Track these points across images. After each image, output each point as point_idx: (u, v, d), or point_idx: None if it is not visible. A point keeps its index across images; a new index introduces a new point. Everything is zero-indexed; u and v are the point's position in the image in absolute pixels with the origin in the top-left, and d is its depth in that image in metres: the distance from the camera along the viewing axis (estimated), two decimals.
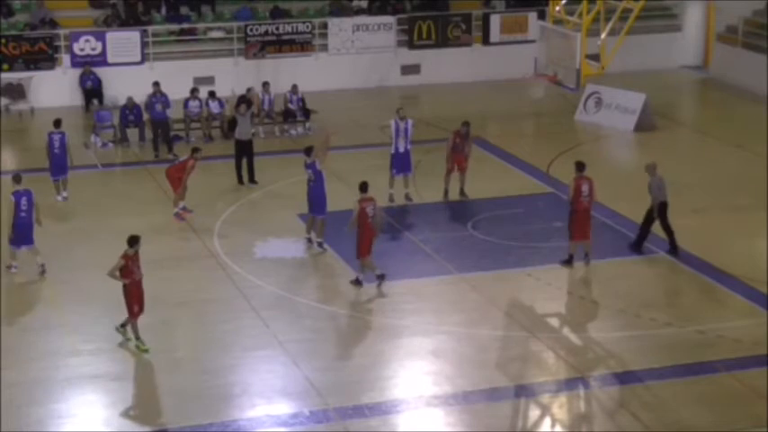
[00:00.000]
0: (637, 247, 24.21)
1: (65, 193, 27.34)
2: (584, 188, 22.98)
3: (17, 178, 23.18)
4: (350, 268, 23.13)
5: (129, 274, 19.55)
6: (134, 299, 19.67)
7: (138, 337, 19.72)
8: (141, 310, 19.78)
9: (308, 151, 24.27)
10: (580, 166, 23.34)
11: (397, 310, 21.50)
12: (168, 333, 20.67)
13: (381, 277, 22.34)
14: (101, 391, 18.58)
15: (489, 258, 24.05)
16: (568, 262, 23.28)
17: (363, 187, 22.54)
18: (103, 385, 18.72)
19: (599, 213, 25.09)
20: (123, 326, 19.85)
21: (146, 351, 19.59)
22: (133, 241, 19.65)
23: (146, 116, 31.78)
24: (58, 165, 27.24)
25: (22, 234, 22.74)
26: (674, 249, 23.95)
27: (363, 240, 22.17)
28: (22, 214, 22.62)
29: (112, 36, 36.13)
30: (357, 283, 22.37)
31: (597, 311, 21.57)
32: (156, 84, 31.67)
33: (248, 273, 22.89)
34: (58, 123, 27.51)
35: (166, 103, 31.27)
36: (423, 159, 28.91)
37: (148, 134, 31.92)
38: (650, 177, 24.17)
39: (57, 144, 27.20)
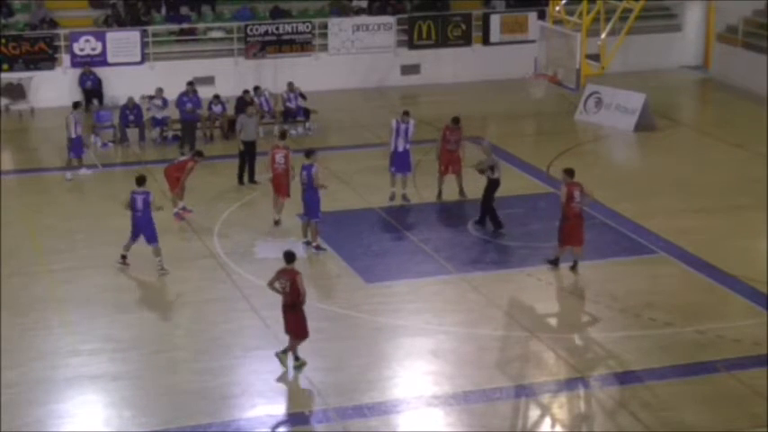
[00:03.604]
0: (482, 223, 25.40)
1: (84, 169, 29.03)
2: (576, 194, 22.87)
3: (140, 180, 23.23)
4: (350, 268, 23.15)
5: (295, 294, 18.77)
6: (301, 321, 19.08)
7: (297, 357, 19.17)
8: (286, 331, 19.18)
9: (310, 153, 24.25)
10: (570, 173, 23.18)
11: (397, 310, 21.51)
12: (168, 333, 20.68)
13: (277, 222, 25.14)
14: (101, 391, 18.58)
15: (489, 258, 24.06)
16: (554, 263, 23.15)
17: (282, 135, 26.10)
18: (103, 385, 18.72)
19: (599, 213, 25.09)
20: (285, 351, 19.11)
21: (304, 364, 19.06)
22: (287, 257, 18.94)
23: (163, 114, 31.97)
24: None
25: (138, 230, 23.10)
26: (491, 222, 25.30)
27: (275, 185, 25.16)
28: (138, 213, 22.84)
29: (112, 36, 36.14)
30: (276, 223, 25.19)
31: (597, 311, 21.56)
32: (191, 83, 31.87)
33: (248, 273, 22.88)
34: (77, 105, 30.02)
35: (197, 103, 31.48)
36: (423, 159, 28.91)
37: (150, 134, 32.02)
38: (488, 156, 25.27)
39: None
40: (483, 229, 25.23)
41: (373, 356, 19.74)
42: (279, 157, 25.05)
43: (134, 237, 23.00)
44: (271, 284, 19.05)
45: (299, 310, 18.89)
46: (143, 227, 22.82)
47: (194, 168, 25.97)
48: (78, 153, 28.89)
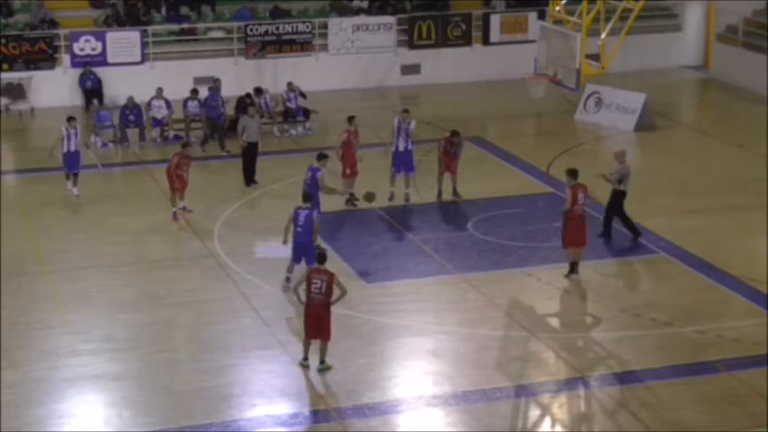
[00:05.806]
0: (608, 236, 24.69)
1: (75, 189, 27.69)
2: (580, 196, 22.76)
3: (307, 197, 22.59)
4: (350, 268, 23.14)
5: (329, 294, 18.75)
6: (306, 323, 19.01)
7: (323, 360, 19.10)
8: (314, 335, 19.03)
9: (321, 157, 24.24)
10: (574, 174, 23.05)
11: (397, 310, 21.50)
12: (168, 333, 20.69)
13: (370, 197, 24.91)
14: (101, 391, 18.59)
15: (489, 258, 24.05)
16: (572, 271, 22.81)
17: (350, 118, 26.78)
18: (103, 385, 18.72)
19: (600, 213, 25.06)
20: (323, 361, 19.00)
21: (329, 368, 18.99)
22: (320, 258, 19.08)
23: (163, 114, 31.98)
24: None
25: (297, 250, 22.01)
26: (629, 231, 24.67)
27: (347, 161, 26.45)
28: (299, 229, 21.85)
29: (112, 36, 36.13)
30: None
31: (597, 311, 21.56)
32: (216, 80, 32.23)
33: (248, 273, 22.88)
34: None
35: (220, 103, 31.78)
36: (423, 159, 28.90)
37: (150, 134, 32.05)
38: (620, 165, 24.53)
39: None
40: (609, 242, 24.53)
41: (373, 356, 19.73)
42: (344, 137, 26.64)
43: (296, 258, 21.98)
44: (296, 288, 18.93)
45: (330, 311, 18.88)
46: (306, 247, 21.78)
47: (186, 162, 25.84)
48: (72, 167, 27.57)
